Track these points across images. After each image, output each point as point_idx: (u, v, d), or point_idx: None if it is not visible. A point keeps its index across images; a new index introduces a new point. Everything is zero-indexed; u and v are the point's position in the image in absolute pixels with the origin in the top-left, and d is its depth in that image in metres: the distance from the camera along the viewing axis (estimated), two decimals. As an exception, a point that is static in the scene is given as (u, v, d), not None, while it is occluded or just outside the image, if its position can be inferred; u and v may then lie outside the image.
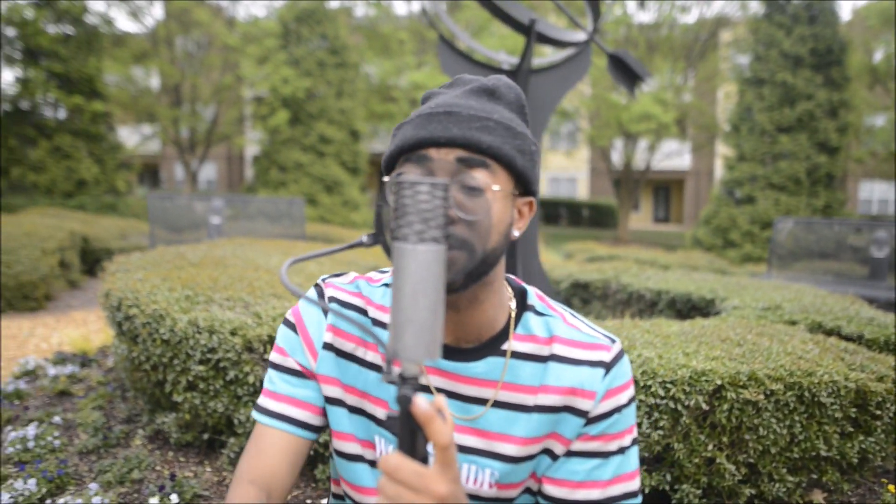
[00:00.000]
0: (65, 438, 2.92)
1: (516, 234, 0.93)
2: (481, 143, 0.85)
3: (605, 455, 0.96)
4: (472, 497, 0.99)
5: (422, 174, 0.86)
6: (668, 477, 2.27)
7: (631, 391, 0.98)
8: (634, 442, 1.00)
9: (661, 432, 2.19)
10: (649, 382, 2.18)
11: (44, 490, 2.40)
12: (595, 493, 0.95)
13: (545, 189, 32.66)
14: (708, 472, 2.27)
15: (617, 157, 23.44)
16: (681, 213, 33.36)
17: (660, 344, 2.49)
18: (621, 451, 0.97)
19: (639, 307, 4.82)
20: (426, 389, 0.98)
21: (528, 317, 1.00)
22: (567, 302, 5.30)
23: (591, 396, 0.94)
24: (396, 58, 22.15)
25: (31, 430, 2.88)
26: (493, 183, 0.86)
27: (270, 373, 1.03)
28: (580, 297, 5.32)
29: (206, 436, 2.69)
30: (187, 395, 2.55)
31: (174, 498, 2.27)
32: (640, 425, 2.20)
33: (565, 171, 32.14)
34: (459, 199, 0.85)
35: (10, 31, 17.37)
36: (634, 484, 0.98)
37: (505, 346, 0.97)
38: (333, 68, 20.32)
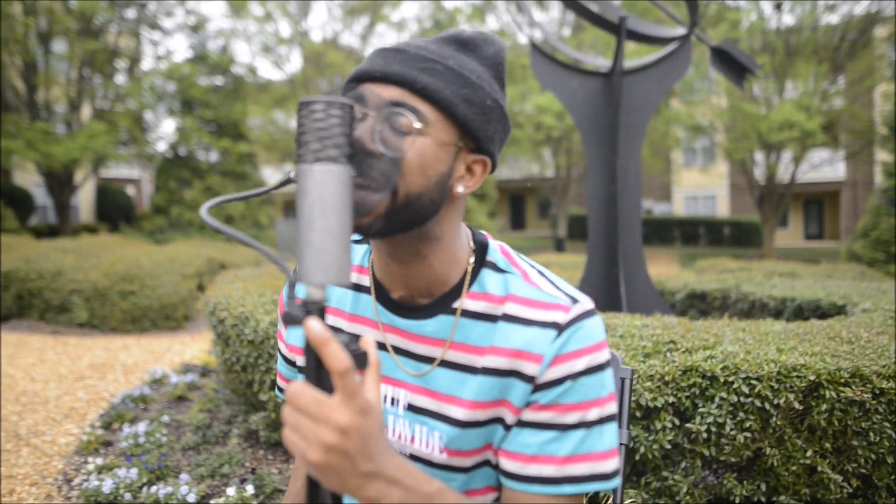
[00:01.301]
0: (172, 436, 3.13)
1: (461, 190, 0.87)
2: (416, 82, 0.81)
3: (560, 428, 0.85)
4: (425, 462, 0.93)
5: (358, 110, 0.83)
6: (763, 487, 2.05)
7: (592, 359, 0.86)
8: (607, 420, 0.87)
9: (748, 434, 1.99)
10: (731, 378, 1.99)
11: (144, 479, 2.58)
12: (549, 469, 0.85)
13: (681, 208, 31.27)
14: (810, 482, 2.02)
15: (759, 171, 22.00)
16: (836, 227, 30.62)
17: (751, 341, 2.27)
18: (583, 425, 0.85)
19: (761, 317, 4.44)
20: (382, 347, 0.95)
21: (485, 273, 0.93)
22: (683, 314, 4.99)
23: (537, 360, 0.85)
24: (520, 83, 22.28)
25: (143, 427, 3.11)
26: (421, 126, 0.81)
27: (279, 359, 1.11)
28: (697, 308, 4.99)
29: (292, 435, 2.78)
30: (271, 394, 2.65)
31: (250, 489, 2.35)
32: (723, 425, 2.00)
33: (702, 188, 30.60)
34: (386, 136, 0.81)
35: (171, 87, 19.39)
36: (607, 465, 0.86)
37: (456, 304, 0.91)
38: (459, 98, 20.77)
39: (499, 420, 0.90)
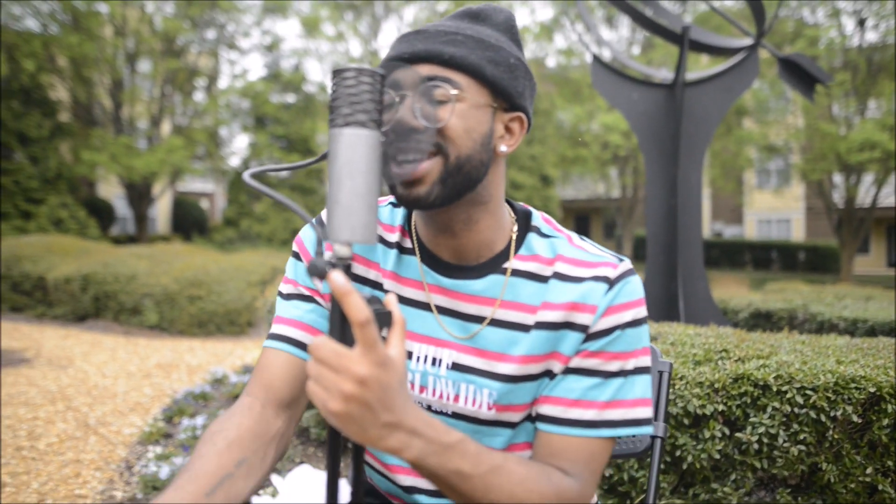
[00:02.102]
0: (228, 431, 3.22)
1: (504, 149, 0.92)
2: (443, 54, 0.86)
3: (603, 375, 0.91)
4: (472, 420, 0.96)
5: (394, 94, 0.88)
6: (820, 503, 1.96)
7: (637, 312, 0.92)
8: (642, 371, 0.92)
9: (802, 448, 1.91)
10: (784, 388, 1.92)
11: (198, 470, 2.66)
12: (590, 414, 0.90)
13: (753, 231, 30.23)
14: (870, 502, 1.92)
15: (837, 194, 21.07)
16: (924, 255, 28.98)
17: (810, 353, 2.18)
18: (622, 373, 0.91)
19: (830, 338, 4.25)
20: (427, 307, 0.97)
21: (532, 237, 0.97)
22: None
23: (591, 311, 0.90)
24: (587, 102, 22.11)
25: (200, 420, 3.22)
26: (458, 92, 0.86)
27: (278, 303, 1.05)
28: (762, 328, 4.81)
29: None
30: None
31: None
32: (775, 437, 1.93)
33: (776, 211, 29.52)
34: (426, 110, 0.86)
35: (245, 104, 20.15)
36: (639, 412, 0.91)
37: (506, 265, 0.95)
38: (524, 116, 20.79)
39: (548, 373, 0.93)
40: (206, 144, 19.13)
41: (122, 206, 24.82)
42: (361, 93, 0.76)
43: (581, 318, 0.90)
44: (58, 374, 4.93)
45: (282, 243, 17.37)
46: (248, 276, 7.42)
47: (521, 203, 1.03)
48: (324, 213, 1.05)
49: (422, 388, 0.97)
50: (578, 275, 0.92)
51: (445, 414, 0.97)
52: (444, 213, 0.92)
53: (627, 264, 0.94)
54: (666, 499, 2.08)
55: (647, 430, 0.92)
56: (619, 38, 22.94)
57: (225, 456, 0.86)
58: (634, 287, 0.93)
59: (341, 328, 0.73)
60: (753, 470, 2.00)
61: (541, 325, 0.92)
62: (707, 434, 1.98)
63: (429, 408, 0.98)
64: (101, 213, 19.39)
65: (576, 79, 22.49)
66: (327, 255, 0.74)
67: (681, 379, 2.03)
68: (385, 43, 37.65)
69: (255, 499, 0.84)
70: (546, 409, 0.92)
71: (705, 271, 4.18)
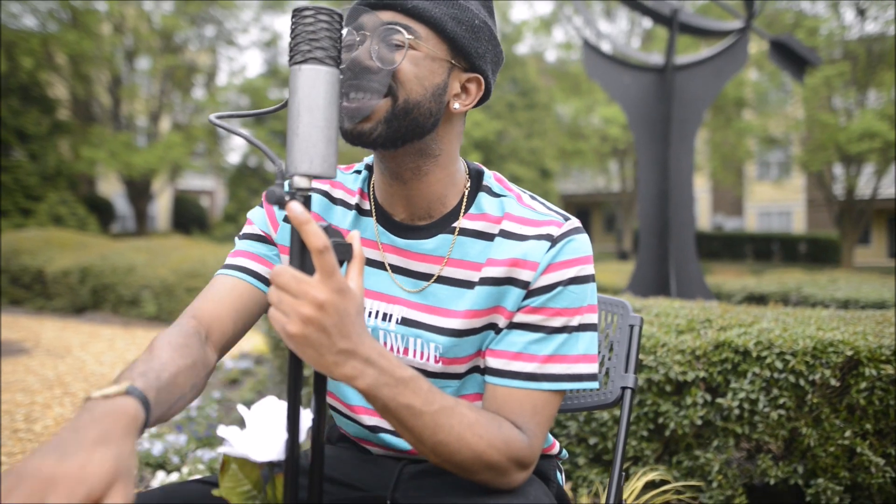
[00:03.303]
0: (222, 412, 3.26)
1: (457, 107, 0.94)
2: (407, 2, 0.88)
3: (546, 330, 0.92)
4: (421, 372, 0.97)
5: (356, 35, 0.91)
6: (800, 469, 1.98)
7: (581, 270, 0.93)
8: (587, 328, 0.94)
9: (782, 412, 1.93)
10: (764, 353, 1.94)
11: (192, 445, 2.70)
12: (531, 367, 0.91)
13: (753, 223, 30.22)
14: (850, 465, 1.95)
15: (838, 186, 21.06)
16: (925, 246, 28.96)
17: (792, 321, 2.20)
18: (566, 329, 0.92)
19: (822, 319, 4.27)
20: (381, 266, 1.00)
21: (482, 196, 0.99)
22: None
23: (532, 267, 0.92)
24: (586, 96, 22.12)
25: (195, 401, 3.25)
26: (414, 41, 0.88)
27: (236, 242, 1.05)
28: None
29: (332, 411, 2.86)
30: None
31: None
32: (755, 402, 1.95)
33: (776, 202, 29.50)
34: (382, 52, 0.88)
35: (244, 100, 20.17)
36: (582, 368, 0.93)
37: (455, 224, 0.98)
38: (523, 110, 20.82)
39: (492, 326, 0.95)
40: (204, 141, 19.16)
41: (122, 204, 24.87)
42: (319, 30, 0.78)
43: (522, 275, 0.92)
44: (56, 362, 4.96)
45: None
46: (245, 268, 7.46)
47: (476, 163, 1.06)
48: None
49: None
50: (523, 233, 0.94)
51: None
52: (393, 160, 0.94)
53: (574, 223, 0.96)
54: (650, 466, 2.11)
55: (592, 385, 0.93)
56: (618, 30, 22.91)
57: (188, 374, 0.84)
58: (579, 245, 0.94)
59: (301, 257, 0.75)
60: (735, 436, 2.02)
61: (484, 281, 0.94)
62: (689, 401, 2.01)
63: None
64: (101, 210, 19.42)
65: (575, 72, 22.48)
66: (296, 180, 0.77)
67: (662, 346, 2.06)
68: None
69: (221, 428, 0.87)
70: (491, 362, 0.94)
71: (697, 254, 4.20)
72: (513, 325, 0.94)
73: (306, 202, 0.77)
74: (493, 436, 0.84)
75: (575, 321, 0.93)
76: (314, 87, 0.77)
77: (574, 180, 29.55)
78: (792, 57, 4.11)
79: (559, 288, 0.92)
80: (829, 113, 18.19)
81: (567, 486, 2.17)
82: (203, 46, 20.34)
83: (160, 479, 2.41)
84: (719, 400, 1.99)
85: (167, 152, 16.68)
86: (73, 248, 8.44)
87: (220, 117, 0.90)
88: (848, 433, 1.91)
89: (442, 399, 0.81)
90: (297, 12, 0.80)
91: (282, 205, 0.74)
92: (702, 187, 29.54)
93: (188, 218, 25.60)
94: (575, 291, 0.92)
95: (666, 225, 4.11)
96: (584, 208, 34.76)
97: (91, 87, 17.57)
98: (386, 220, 1.01)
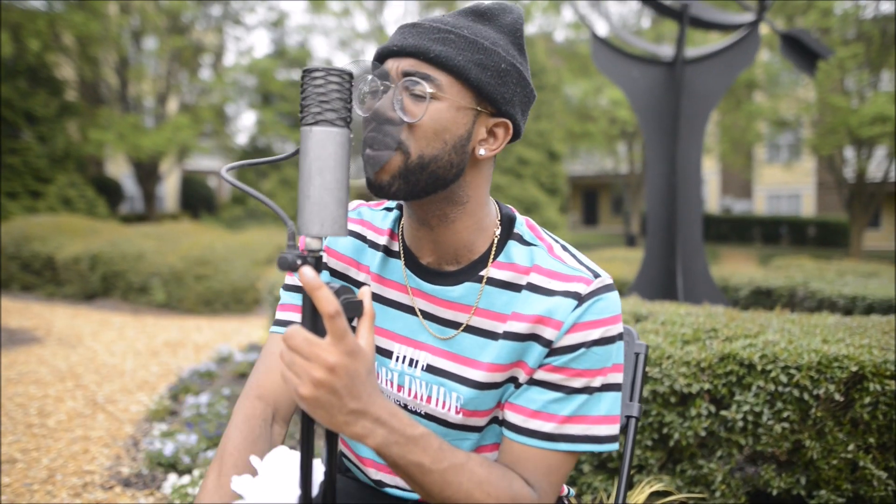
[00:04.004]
0: (231, 408, 3.30)
1: (483, 153, 0.92)
2: (429, 51, 0.87)
3: (566, 390, 0.91)
4: (442, 422, 0.98)
5: (380, 82, 0.90)
6: (803, 480, 2.00)
7: (608, 330, 0.91)
8: (610, 388, 0.93)
9: (786, 425, 1.95)
10: (769, 367, 1.95)
11: (203, 445, 2.74)
12: (548, 427, 0.90)
13: (762, 206, 30.04)
14: (852, 478, 1.96)
15: (848, 169, 20.86)
16: (935, 229, 28.74)
17: (797, 332, 2.21)
18: (587, 390, 0.91)
19: (829, 315, 4.27)
20: (412, 310, 1.00)
21: (512, 245, 0.98)
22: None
23: (557, 326, 0.90)
24: (595, 77, 21.90)
25: (205, 398, 3.30)
26: (437, 91, 0.87)
27: (280, 293, 1.09)
28: (762, 304, 4.84)
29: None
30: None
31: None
32: (760, 415, 1.97)
33: (786, 185, 29.29)
34: (405, 104, 0.87)
35: (251, 81, 20.09)
36: (602, 430, 0.92)
37: (483, 273, 0.96)
38: (531, 91, 20.63)
39: (512, 380, 0.95)
40: (212, 122, 19.14)
41: (130, 185, 24.94)
42: (330, 92, 0.79)
43: (546, 333, 0.91)
44: (67, 352, 5.02)
45: (233, 187, 17.45)
46: (253, 255, 7.50)
47: (509, 207, 1.04)
48: None
49: (399, 388, 1.00)
50: (551, 287, 0.92)
51: (419, 414, 0.99)
52: (419, 207, 0.93)
53: (603, 280, 0.93)
54: (654, 475, 2.13)
55: (611, 447, 0.92)
56: (629, 10, 22.64)
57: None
58: (607, 304, 0.92)
59: (312, 319, 0.77)
60: (739, 447, 2.04)
61: (508, 336, 0.93)
62: (693, 412, 2.02)
63: (405, 407, 1.00)
64: (110, 191, 19.49)
65: (584, 53, 22.24)
66: (308, 242, 0.78)
67: (668, 358, 2.07)
68: (391, 18, 37.33)
69: (234, 479, 0.89)
70: (509, 416, 0.93)
71: (704, 248, 4.19)
72: (533, 382, 0.92)
73: (317, 263, 0.78)
74: (501, 494, 0.84)
75: (597, 382, 0.91)
76: (325, 149, 0.78)
77: (582, 162, 29.37)
78: (803, 51, 4.06)
79: (582, 349, 0.90)
80: (842, 95, 17.96)
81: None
82: (210, 26, 20.24)
83: (172, 481, 2.45)
84: (724, 412, 2.00)
85: (175, 134, 16.67)
86: (83, 234, 8.49)
87: (230, 169, 0.91)
88: (851, 446, 1.93)
89: (452, 456, 0.82)
90: (307, 73, 0.80)
91: (294, 269, 0.75)
92: (711, 169, 29.35)
93: (196, 199, 25.66)
94: (598, 353, 0.91)
95: (673, 219, 4.10)
96: (591, 190, 34.62)
97: (98, 69, 17.53)
98: (413, 264, 1.00)
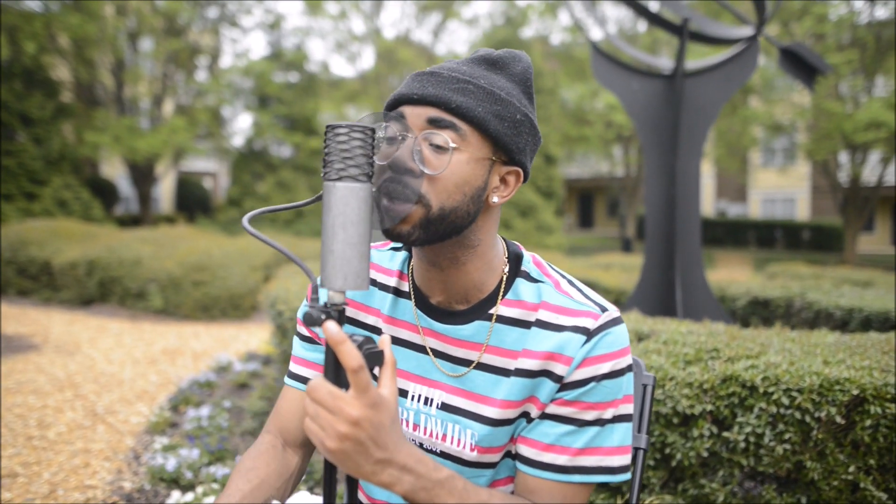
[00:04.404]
0: (232, 421, 3.30)
1: (496, 200, 0.94)
2: (450, 102, 0.88)
3: (578, 423, 0.93)
4: (457, 460, 1.00)
5: (397, 130, 0.91)
6: (804, 500, 2.02)
7: (618, 363, 0.94)
8: (622, 419, 0.95)
9: (787, 447, 1.96)
10: (771, 389, 1.97)
11: (205, 460, 2.74)
12: (562, 459, 0.93)
13: (757, 210, 30.15)
14: (853, 499, 1.98)
15: (843, 173, 20.96)
16: (929, 234, 28.89)
17: (798, 352, 2.23)
18: (599, 422, 0.93)
19: (826, 327, 4.29)
20: (423, 350, 1.02)
21: (519, 282, 1.00)
22: (744, 322, 4.88)
23: (567, 362, 0.92)
24: (591, 81, 21.95)
25: (206, 411, 3.30)
26: (458, 143, 0.88)
27: (294, 341, 1.13)
28: (759, 315, 4.87)
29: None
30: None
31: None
32: (761, 436, 1.99)
33: (781, 189, 29.40)
34: (425, 154, 0.88)
35: (248, 83, 20.07)
36: (615, 461, 0.94)
37: (492, 311, 0.98)
38: (528, 95, 20.67)
39: (525, 415, 0.97)
40: (208, 124, 19.11)
41: (125, 186, 24.88)
42: (353, 148, 0.80)
43: (557, 368, 0.93)
44: (65, 360, 5.02)
45: (284, 223, 17.42)
46: (251, 261, 7.49)
47: (516, 244, 1.06)
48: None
49: (415, 427, 1.02)
50: (559, 322, 0.94)
51: (434, 452, 1.01)
52: (430, 250, 0.95)
53: (611, 314, 0.95)
54: (656, 494, 2.15)
55: (623, 477, 0.94)
56: (624, 15, 22.70)
57: (256, 495, 0.97)
58: (615, 339, 0.94)
59: (335, 371, 0.78)
60: (740, 467, 2.06)
61: (520, 372, 0.95)
62: (696, 433, 2.04)
63: (420, 445, 1.02)
64: (105, 193, 19.44)
65: (580, 57, 22.30)
66: (331, 295, 0.79)
67: (671, 379, 2.09)
68: (388, 21, 37.28)
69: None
70: (522, 450, 0.96)
71: (703, 260, 4.22)
72: (545, 416, 0.94)
73: (340, 316, 0.79)
74: None
75: (608, 414, 0.93)
76: (348, 205, 0.79)
77: (577, 164, 29.43)
78: (802, 65, 4.09)
79: (593, 383, 0.92)
80: (836, 101, 18.04)
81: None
82: (206, 28, 20.21)
83: (175, 498, 2.45)
84: (726, 433, 2.02)
85: (171, 136, 16.64)
86: (79, 238, 8.47)
87: (251, 218, 0.92)
88: (852, 468, 1.94)
89: (476, 495, 0.85)
90: (330, 129, 0.81)
91: (318, 324, 0.76)
92: (706, 173, 29.44)
93: (191, 200, 25.61)
94: (609, 386, 0.93)
95: (672, 231, 4.13)
96: (587, 193, 34.69)
97: (94, 71, 17.49)
98: (423, 304, 1.02)
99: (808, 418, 1.94)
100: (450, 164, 0.88)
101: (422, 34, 24.86)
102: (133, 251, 7.55)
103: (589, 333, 0.92)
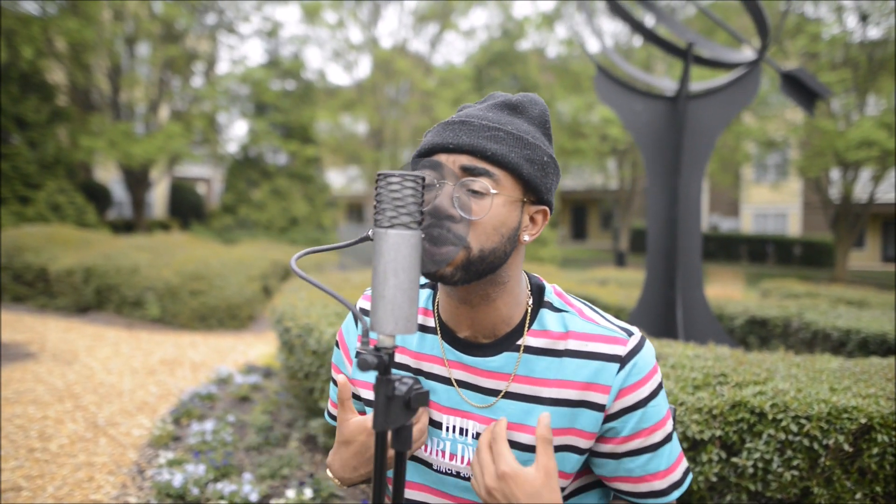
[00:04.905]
0: (236, 435, 3.30)
1: (527, 238, 0.99)
2: (486, 150, 0.92)
3: (652, 448, 1.00)
4: None
5: (434, 177, 0.94)
6: (810, 526, 2.04)
7: (653, 384, 1.00)
8: (673, 425, 1.05)
9: (795, 473, 1.99)
10: (780, 416, 2.00)
11: (210, 476, 2.74)
12: (658, 484, 1.01)
13: (749, 224, 30.35)
14: (859, 525, 2.01)
15: (834, 189, 21.15)
16: (918, 251, 29.16)
17: (804, 378, 2.26)
18: (667, 439, 1.02)
19: (823, 348, 4.34)
20: (447, 381, 1.05)
21: (544, 313, 1.04)
22: (742, 341, 4.92)
23: (604, 391, 0.97)
24: (587, 94, 22.08)
25: (210, 425, 3.30)
26: (495, 188, 0.92)
27: (330, 384, 1.20)
28: (757, 334, 4.91)
29: (348, 442, 2.91)
30: (330, 402, 2.78)
31: (308, 492, 2.48)
32: (770, 462, 2.02)
33: (773, 205, 29.63)
34: (463, 200, 0.92)
35: (245, 90, 20.07)
36: (685, 462, 1.05)
37: (519, 342, 1.02)
38: (523, 107, 20.79)
39: (569, 448, 1.01)
40: (204, 130, 19.10)
41: (119, 191, 24.78)
42: (405, 196, 0.83)
43: (596, 398, 0.98)
44: (63, 369, 5.00)
45: (280, 231, 17.40)
46: (248, 270, 7.49)
47: (536, 276, 1.10)
48: (361, 302, 1.14)
49: (451, 456, 1.04)
50: (590, 350, 0.99)
51: (469, 479, 1.04)
52: (464, 289, 0.99)
53: (636, 337, 1.01)
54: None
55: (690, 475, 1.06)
56: (621, 30, 22.87)
57: None
58: (646, 361, 1.00)
59: (387, 408, 0.82)
60: (748, 492, 2.09)
61: (557, 402, 0.99)
62: (705, 458, 2.07)
63: (457, 474, 1.05)
64: (99, 197, 19.36)
65: (576, 70, 22.45)
66: (381, 339, 0.82)
67: (681, 405, 2.11)
68: (385, 31, 37.37)
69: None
70: (620, 486, 1.04)
71: (703, 280, 4.25)
72: (618, 455, 1.01)
73: (390, 360, 0.82)
74: None
75: (668, 427, 1.02)
76: (400, 252, 0.82)
77: (572, 176, 29.55)
78: (803, 90, 4.15)
79: (640, 410, 0.99)
80: (829, 118, 18.23)
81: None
82: (203, 33, 20.22)
83: (184, 515, 2.46)
84: (735, 458, 2.05)
85: (167, 142, 16.62)
86: (75, 245, 8.44)
87: (299, 258, 0.95)
88: (858, 495, 1.97)
89: None
90: (382, 177, 0.84)
91: (374, 369, 0.80)
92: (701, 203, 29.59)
93: (185, 206, 25.53)
94: (655, 404, 1.00)
95: (674, 251, 4.17)
96: (580, 205, 34.81)
97: (91, 75, 17.46)
98: (450, 337, 1.06)
99: (816, 445, 1.97)
100: (488, 208, 0.92)
101: (419, 44, 24.99)
102: (130, 259, 7.53)
103: (621, 361, 0.98)
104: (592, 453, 1.03)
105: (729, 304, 5.30)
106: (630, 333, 1.01)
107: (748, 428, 2.05)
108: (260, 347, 6.10)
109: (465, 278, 0.94)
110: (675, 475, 1.02)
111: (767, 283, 10.37)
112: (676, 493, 1.02)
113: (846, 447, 1.95)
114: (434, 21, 23.53)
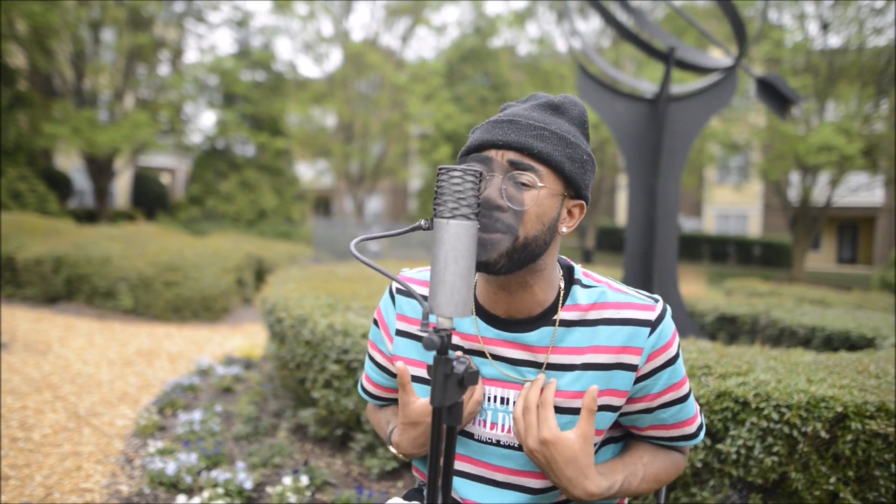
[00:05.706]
0: (224, 425, 3.33)
1: (564, 230, 1.08)
2: (533, 148, 1.02)
3: (681, 400, 1.15)
4: None
5: (483, 171, 1.02)
6: (787, 508, 2.17)
7: (677, 342, 1.13)
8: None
9: (775, 458, 2.11)
10: (762, 405, 2.12)
11: (202, 465, 2.77)
12: (688, 429, 1.19)
13: (711, 225, 31.04)
14: (832, 507, 2.14)
15: (793, 192, 21.77)
16: (870, 253, 30.17)
17: (783, 370, 2.39)
18: (691, 391, 1.18)
19: (790, 344, 4.52)
20: (482, 354, 1.13)
21: (576, 289, 1.14)
22: (712, 336, 5.09)
23: (637, 353, 1.08)
24: (556, 92, 22.29)
25: (197, 415, 3.32)
26: (540, 182, 1.01)
27: (366, 360, 1.31)
28: (727, 331, 5.08)
29: (339, 432, 2.96)
30: (324, 392, 2.83)
31: (304, 480, 2.53)
32: (751, 448, 2.14)
33: (734, 206, 30.35)
34: (511, 192, 1.02)
35: (213, 80, 19.78)
36: (700, 412, 1.25)
37: (555, 317, 1.11)
38: (495, 104, 20.95)
39: (607, 407, 1.11)
40: (170, 120, 18.78)
41: (80, 179, 24.22)
42: (466, 189, 0.90)
43: (630, 360, 1.09)
44: (37, 360, 4.93)
45: (248, 224, 17.24)
46: (223, 262, 7.44)
47: (564, 258, 1.20)
48: (393, 285, 1.21)
49: (492, 425, 1.13)
50: (625, 317, 1.10)
51: (513, 447, 1.12)
52: (504, 277, 1.07)
53: (661, 303, 1.13)
54: (648, 502, 2.28)
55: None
56: (590, 29, 23.14)
57: None
58: (669, 323, 1.12)
59: (444, 386, 0.88)
60: (730, 477, 2.20)
61: (593, 367, 1.09)
62: (691, 445, 2.17)
63: (497, 443, 1.13)
64: (60, 185, 18.91)
65: (546, 69, 22.66)
66: (440, 321, 0.89)
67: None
68: (357, 24, 37.21)
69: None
70: (652, 433, 1.18)
71: (678, 279, 4.40)
72: (653, 409, 1.14)
73: (448, 339, 0.89)
74: (671, 471, 1.20)
75: (689, 381, 1.20)
76: (460, 241, 0.89)
77: (540, 175, 29.83)
78: (776, 95, 4.32)
79: (668, 368, 1.11)
80: (790, 123, 18.74)
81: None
82: (171, 20, 19.87)
83: (182, 499, 2.48)
84: (719, 445, 2.16)
85: (133, 131, 16.31)
86: (43, 233, 8.28)
87: (359, 242, 1.01)
88: (833, 479, 2.10)
89: (644, 472, 1.14)
90: (444, 171, 0.91)
91: (439, 350, 0.87)
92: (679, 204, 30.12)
93: (149, 196, 25.07)
94: (679, 362, 1.13)
95: (651, 249, 4.30)
96: (548, 202, 35.12)
97: (53, 60, 17.02)
98: (486, 315, 1.14)
99: (795, 432, 2.09)
100: (534, 199, 1.01)
101: (390, 39, 24.90)
102: (102, 249, 7.42)
103: (652, 325, 1.09)
104: (626, 413, 1.15)
105: (699, 302, 5.47)
106: (656, 300, 1.12)
107: (732, 416, 2.17)
108: (236, 339, 6.09)
109: (509, 267, 1.02)
110: (700, 419, 1.20)
111: (730, 282, 10.66)
112: (702, 434, 1.20)
113: (823, 434, 2.07)
114: (406, 15, 23.49)
